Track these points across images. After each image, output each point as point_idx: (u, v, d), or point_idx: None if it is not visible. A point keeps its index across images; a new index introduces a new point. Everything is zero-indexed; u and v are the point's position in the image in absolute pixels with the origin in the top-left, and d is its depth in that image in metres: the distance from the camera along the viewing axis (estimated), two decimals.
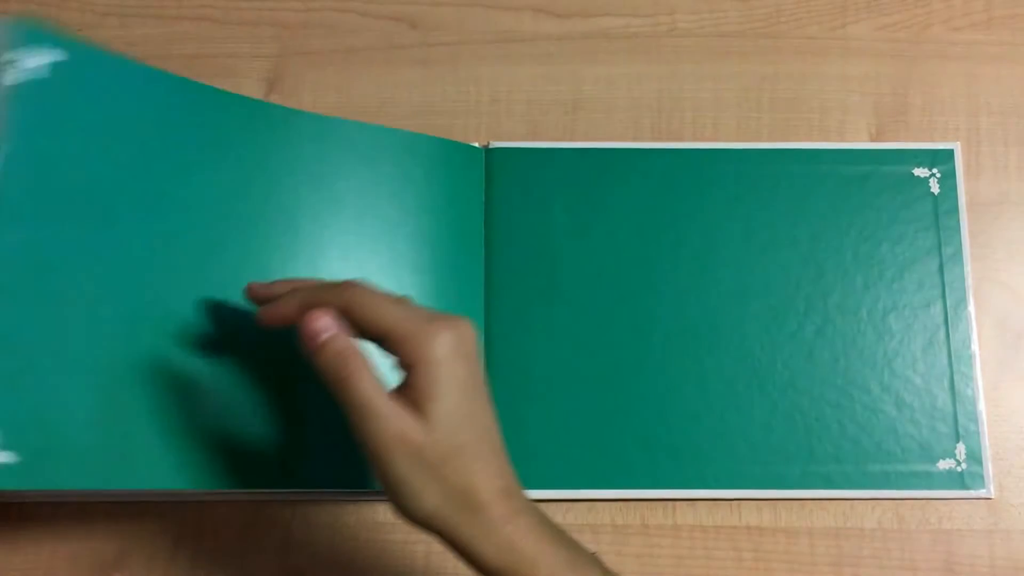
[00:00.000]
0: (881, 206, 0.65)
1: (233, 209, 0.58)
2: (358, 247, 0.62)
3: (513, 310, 0.63)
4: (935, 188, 0.66)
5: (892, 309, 0.64)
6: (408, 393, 0.46)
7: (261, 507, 0.61)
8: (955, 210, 0.65)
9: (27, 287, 0.51)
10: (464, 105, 0.68)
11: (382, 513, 0.61)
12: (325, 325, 0.47)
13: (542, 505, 0.60)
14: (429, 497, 0.46)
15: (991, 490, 0.61)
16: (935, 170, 0.66)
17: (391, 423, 0.46)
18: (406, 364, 0.47)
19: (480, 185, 0.65)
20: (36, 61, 0.52)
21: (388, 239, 0.62)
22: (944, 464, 0.61)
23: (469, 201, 0.64)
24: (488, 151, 0.66)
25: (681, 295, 0.64)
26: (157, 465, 0.60)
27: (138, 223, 0.54)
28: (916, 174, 0.66)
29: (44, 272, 0.51)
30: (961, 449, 0.62)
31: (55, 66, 0.53)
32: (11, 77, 0.51)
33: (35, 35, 0.53)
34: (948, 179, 0.66)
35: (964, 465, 0.61)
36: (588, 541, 0.60)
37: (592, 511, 0.61)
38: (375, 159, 0.63)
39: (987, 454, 0.62)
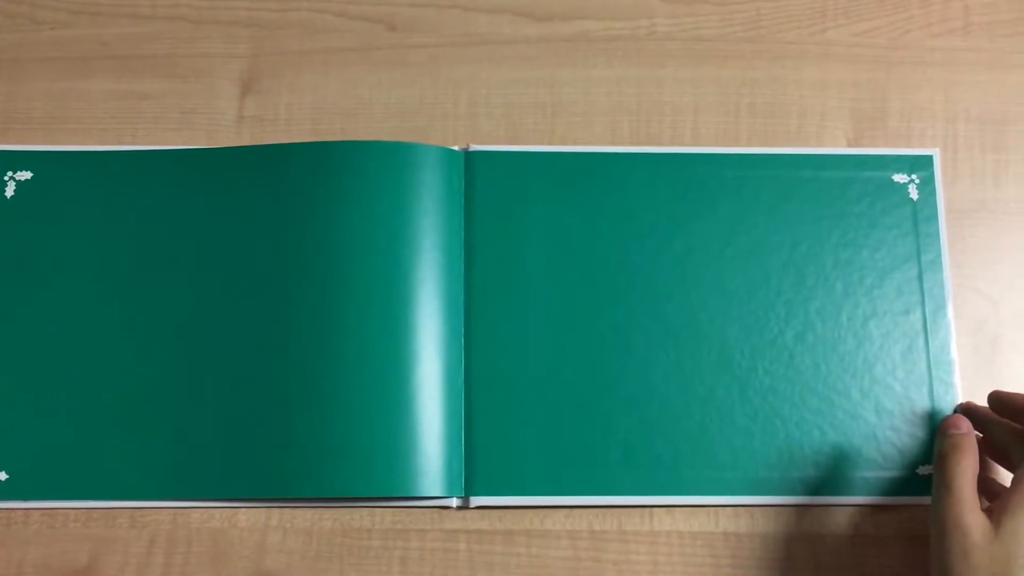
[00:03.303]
0: (861, 212, 0.67)
1: (213, 247, 0.65)
2: (343, 257, 0.64)
3: (493, 314, 0.64)
4: (914, 194, 0.67)
5: (872, 315, 0.65)
6: (998, 502, 0.55)
7: (236, 512, 0.62)
8: (934, 216, 0.67)
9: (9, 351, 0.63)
10: (442, 107, 0.69)
11: (359, 518, 0.62)
12: (956, 423, 0.60)
13: (520, 511, 0.62)
14: None
15: None
16: (914, 176, 0.68)
17: (959, 508, 0.55)
18: (1014, 483, 0.56)
19: (460, 189, 0.66)
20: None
21: (368, 246, 0.63)
22: (924, 470, 0.63)
23: (448, 205, 0.65)
24: (468, 154, 0.66)
25: (661, 300, 0.65)
26: (134, 477, 0.61)
27: (117, 276, 0.65)
28: (895, 180, 0.67)
29: (22, 335, 0.64)
30: None
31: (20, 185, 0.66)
32: None
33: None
34: (927, 185, 0.67)
35: None
36: (565, 547, 0.61)
37: (570, 517, 0.62)
38: (356, 173, 0.65)
39: None
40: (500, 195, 0.66)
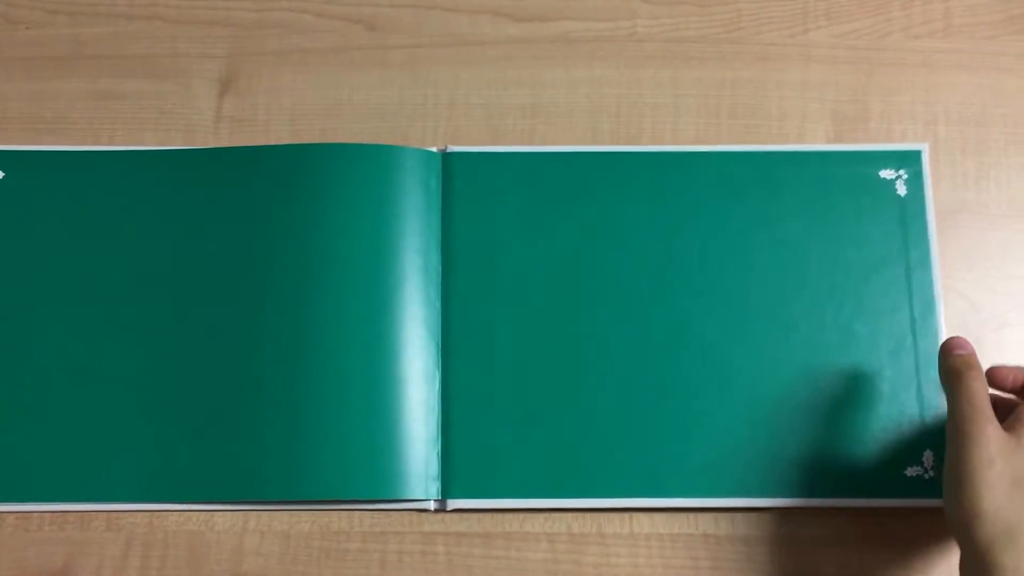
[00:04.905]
0: (847, 209, 0.66)
1: (184, 247, 0.65)
2: (320, 259, 0.64)
3: (471, 317, 0.65)
4: (901, 190, 0.67)
5: (858, 315, 0.65)
6: (1013, 417, 0.56)
7: (213, 515, 0.62)
8: (922, 213, 0.66)
9: None
10: (421, 108, 0.70)
11: (337, 521, 0.62)
12: (962, 344, 0.59)
13: (498, 514, 0.62)
14: (981, 502, 0.53)
15: None
16: (902, 171, 0.67)
17: (981, 420, 0.55)
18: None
19: (437, 191, 0.66)
20: None
21: (344, 248, 0.64)
22: (911, 471, 0.62)
23: (426, 206, 0.65)
24: (445, 155, 0.67)
25: (641, 300, 0.65)
26: (109, 480, 0.61)
27: (98, 279, 0.65)
28: (882, 176, 0.67)
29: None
30: (929, 456, 0.62)
31: None
32: None
33: None
34: (915, 181, 0.67)
35: (932, 472, 0.62)
36: (544, 550, 0.62)
37: (549, 519, 0.63)
38: (333, 176, 0.65)
39: None
40: (478, 196, 0.66)
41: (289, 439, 0.61)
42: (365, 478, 0.61)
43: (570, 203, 0.66)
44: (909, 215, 0.66)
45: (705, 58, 0.71)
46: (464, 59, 0.71)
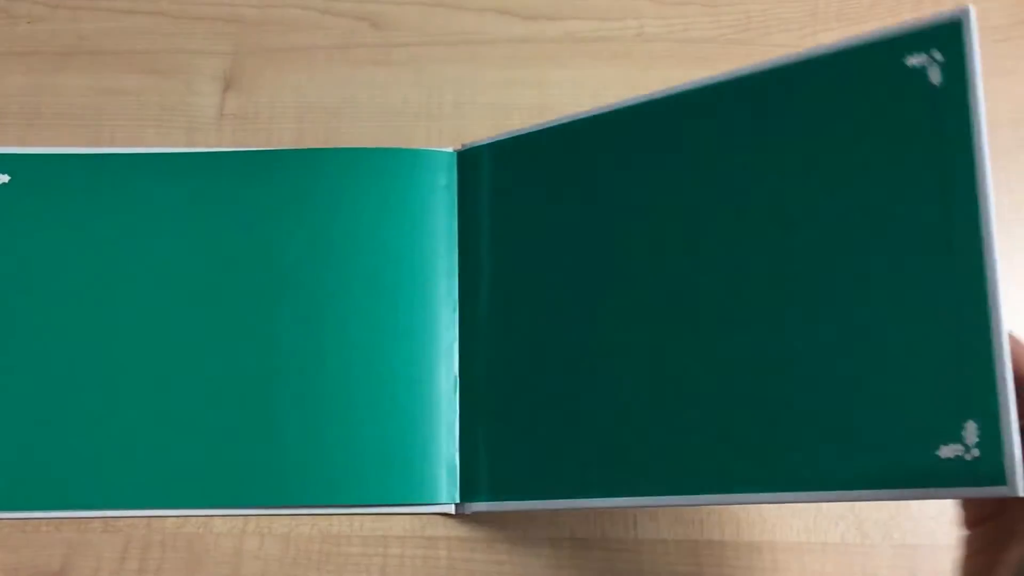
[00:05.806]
0: (858, 118, 0.49)
1: (187, 257, 0.65)
2: (331, 264, 0.64)
3: (485, 319, 0.63)
4: (936, 78, 0.47)
5: (880, 252, 0.48)
6: None
7: (212, 518, 0.62)
8: (965, 106, 0.47)
9: None
10: (426, 107, 0.70)
11: (338, 524, 0.62)
12: None
13: (501, 518, 0.62)
14: None
15: (1018, 485, 0.43)
16: (935, 53, 0.48)
17: None
18: None
19: (453, 191, 0.65)
20: None
21: (363, 256, 0.64)
22: (947, 451, 0.46)
23: (443, 208, 0.65)
24: (460, 154, 0.66)
25: (641, 280, 0.57)
26: (107, 486, 0.61)
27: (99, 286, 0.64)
28: (910, 64, 0.48)
29: None
30: (971, 428, 0.45)
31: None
32: None
33: None
34: (955, 64, 0.47)
35: (976, 452, 0.45)
36: (547, 555, 0.61)
37: (552, 524, 0.63)
38: (352, 181, 0.65)
39: (1011, 435, 0.44)
40: (493, 191, 0.64)
41: (304, 445, 0.61)
42: (384, 483, 0.61)
43: (589, 178, 0.59)
44: (947, 111, 0.47)
45: (714, 59, 0.71)
46: (470, 58, 0.71)
